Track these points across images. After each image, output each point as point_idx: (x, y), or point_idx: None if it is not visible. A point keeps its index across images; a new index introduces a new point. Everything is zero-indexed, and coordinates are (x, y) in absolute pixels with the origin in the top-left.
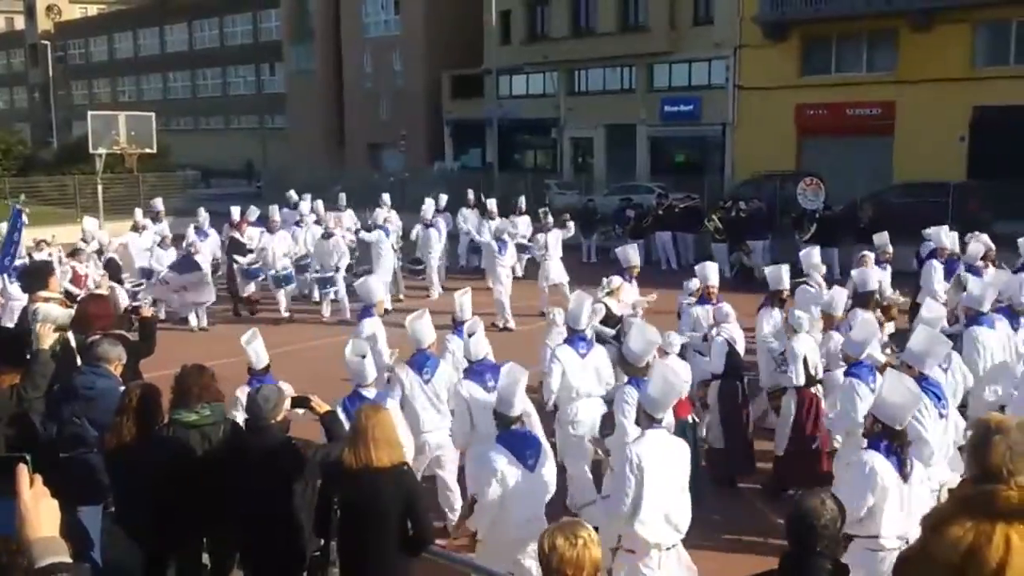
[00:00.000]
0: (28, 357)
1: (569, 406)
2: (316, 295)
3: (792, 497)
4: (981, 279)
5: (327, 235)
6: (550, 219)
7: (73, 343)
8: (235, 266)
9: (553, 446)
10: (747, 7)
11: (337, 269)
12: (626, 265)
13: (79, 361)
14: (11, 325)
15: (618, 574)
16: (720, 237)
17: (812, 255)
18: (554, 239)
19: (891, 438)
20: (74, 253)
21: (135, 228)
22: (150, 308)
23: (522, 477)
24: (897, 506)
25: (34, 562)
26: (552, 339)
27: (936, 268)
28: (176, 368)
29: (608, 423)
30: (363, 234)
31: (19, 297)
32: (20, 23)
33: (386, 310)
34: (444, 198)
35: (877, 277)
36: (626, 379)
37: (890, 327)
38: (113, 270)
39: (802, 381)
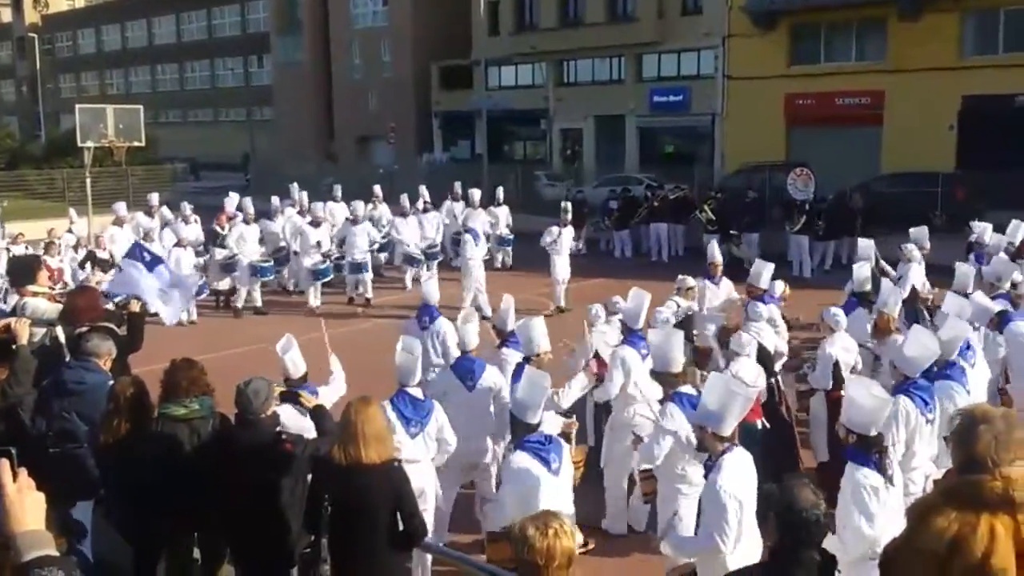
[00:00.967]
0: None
1: (626, 409)
2: (290, 286)
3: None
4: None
5: (355, 220)
6: (568, 215)
7: (62, 337)
8: (212, 259)
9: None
10: None
11: (372, 251)
12: (710, 261)
13: (67, 355)
14: None
15: None
16: (712, 228)
17: (868, 245)
18: (567, 235)
19: (867, 446)
20: (47, 247)
21: (117, 222)
22: (138, 302)
23: (548, 481)
24: (882, 511)
25: (20, 555)
26: (596, 338)
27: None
28: (165, 362)
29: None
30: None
31: None
32: (7, 16)
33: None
34: (423, 189)
35: (922, 277)
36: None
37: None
38: (95, 264)
39: (828, 385)
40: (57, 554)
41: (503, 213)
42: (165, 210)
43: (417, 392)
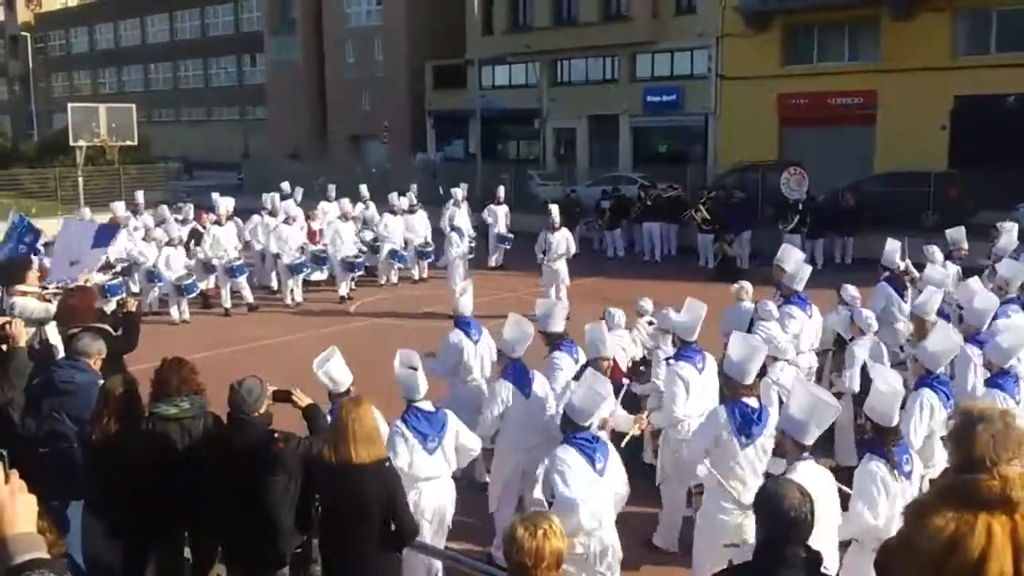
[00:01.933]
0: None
1: (680, 425)
2: (277, 284)
3: None
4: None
5: (409, 212)
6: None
7: (52, 337)
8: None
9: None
10: None
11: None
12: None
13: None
14: None
15: None
16: (706, 227)
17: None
18: (560, 239)
19: (883, 438)
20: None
21: (114, 222)
22: (134, 301)
23: (591, 480)
24: (889, 503)
25: (11, 558)
26: (614, 341)
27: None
28: (156, 361)
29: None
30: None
31: None
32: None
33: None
34: (413, 189)
35: (947, 274)
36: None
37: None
38: None
39: (856, 388)
40: (48, 557)
41: (502, 212)
42: (164, 209)
43: (427, 405)
